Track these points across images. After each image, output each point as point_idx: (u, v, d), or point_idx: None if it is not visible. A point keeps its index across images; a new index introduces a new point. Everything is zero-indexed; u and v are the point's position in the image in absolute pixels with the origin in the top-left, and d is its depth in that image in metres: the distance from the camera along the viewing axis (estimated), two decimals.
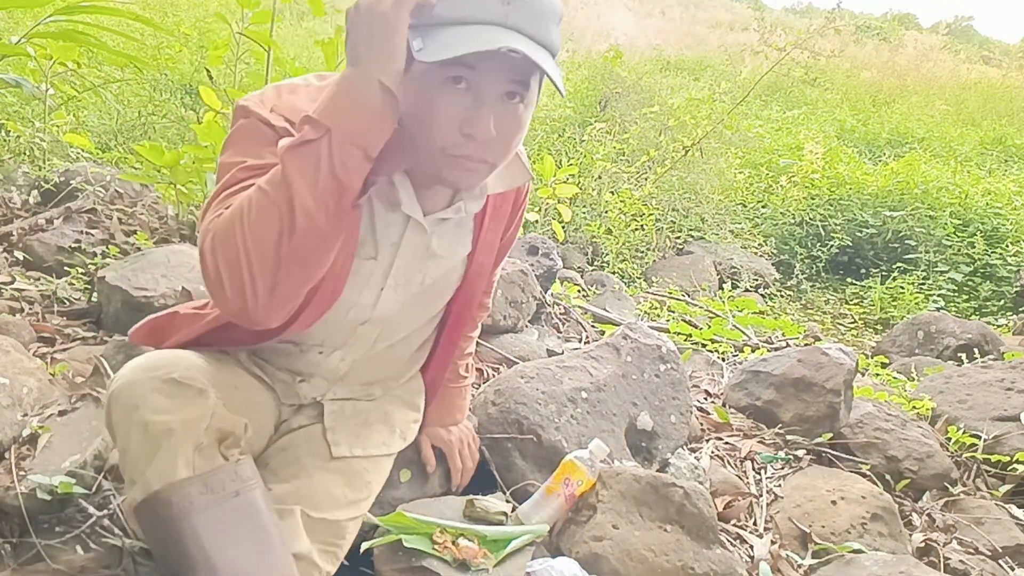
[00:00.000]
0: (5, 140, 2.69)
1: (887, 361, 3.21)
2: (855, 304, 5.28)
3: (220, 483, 0.96)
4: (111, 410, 0.99)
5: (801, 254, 5.81)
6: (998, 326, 4.68)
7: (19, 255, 2.09)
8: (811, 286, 5.59)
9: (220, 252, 0.88)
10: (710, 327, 3.02)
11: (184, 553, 0.92)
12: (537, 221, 3.74)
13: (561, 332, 2.55)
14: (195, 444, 0.96)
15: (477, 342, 2.02)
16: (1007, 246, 5.50)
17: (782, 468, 1.81)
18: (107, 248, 2.20)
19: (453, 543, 1.19)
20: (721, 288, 4.74)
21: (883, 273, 5.57)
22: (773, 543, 1.53)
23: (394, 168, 1.01)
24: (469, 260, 1.21)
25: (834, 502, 1.62)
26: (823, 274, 5.78)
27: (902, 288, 5.18)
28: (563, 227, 4.09)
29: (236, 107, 0.99)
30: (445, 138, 0.94)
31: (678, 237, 5.48)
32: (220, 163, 0.99)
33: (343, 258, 1.05)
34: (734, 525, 1.58)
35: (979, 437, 1.97)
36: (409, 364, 1.36)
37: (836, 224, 5.85)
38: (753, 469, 1.79)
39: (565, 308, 2.69)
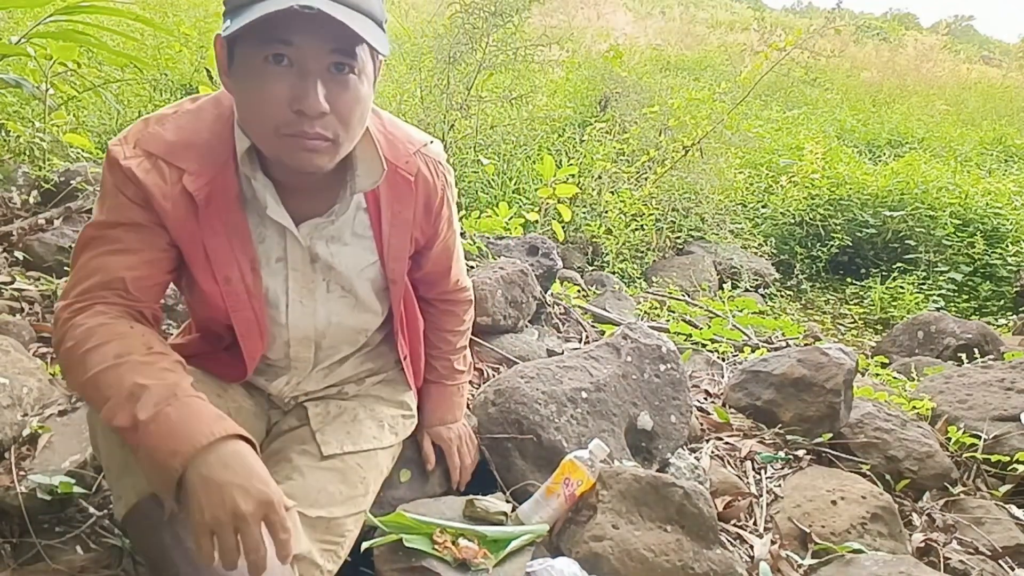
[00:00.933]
0: (5, 140, 2.69)
1: (887, 361, 3.21)
2: (855, 304, 5.28)
3: None
4: (93, 428, 1.01)
5: (801, 254, 5.80)
6: (998, 326, 4.68)
7: (19, 255, 2.09)
8: (811, 286, 5.59)
9: (66, 373, 0.99)
10: (710, 327, 3.02)
11: (170, 561, 0.93)
12: (537, 221, 3.74)
13: (561, 332, 2.55)
14: None
15: (477, 342, 2.02)
16: (1007, 246, 5.49)
17: (782, 468, 1.81)
18: None
19: (453, 543, 1.19)
20: (721, 288, 4.74)
21: (883, 273, 5.56)
22: (773, 543, 1.53)
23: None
24: (382, 267, 1.19)
25: (834, 502, 1.62)
26: (823, 274, 5.78)
27: (902, 288, 5.18)
28: (563, 227, 4.09)
29: (107, 148, 1.01)
30: (277, 117, 0.93)
31: (678, 237, 5.48)
32: (95, 210, 1.04)
33: (240, 271, 1.06)
34: (734, 525, 1.58)
35: (979, 437, 1.97)
36: (373, 363, 1.35)
37: (836, 224, 5.85)
38: (753, 469, 1.79)
39: (565, 308, 2.69)
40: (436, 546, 1.18)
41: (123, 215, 1.00)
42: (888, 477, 1.83)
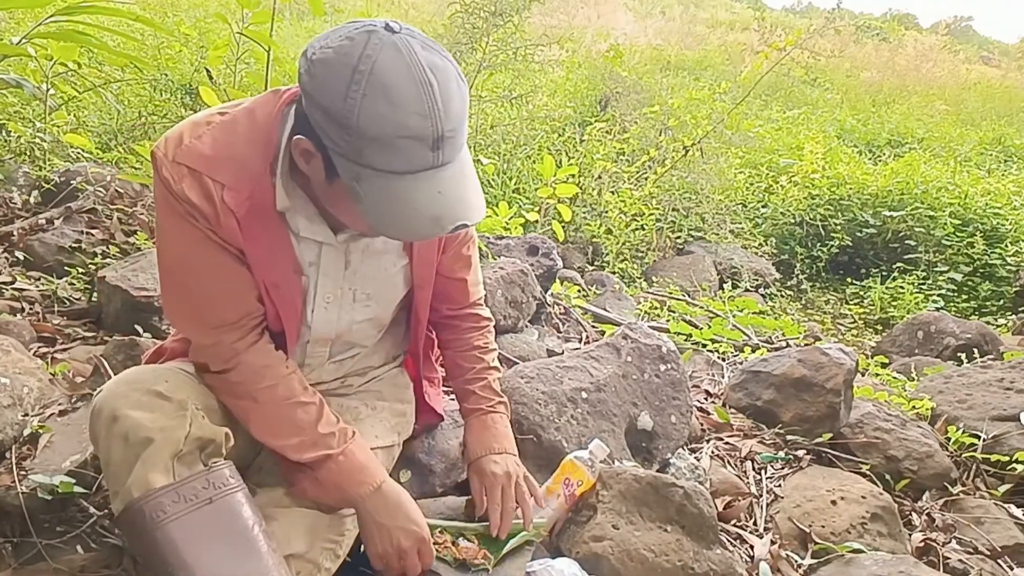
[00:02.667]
0: (6, 140, 2.69)
1: (887, 361, 3.21)
2: (855, 304, 5.28)
3: (193, 491, 0.97)
4: (94, 423, 1.01)
5: (801, 254, 5.80)
6: (998, 326, 4.68)
7: (20, 255, 2.09)
8: (811, 286, 5.59)
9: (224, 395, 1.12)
10: (710, 327, 3.02)
11: (163, 561, 0.94)
12: (537, 221, 3.74)
13: (561, 332, 2.55)
14: (174, 453, 0.97)
15: None
16: (1007, 246, 5.48)
17: (782, 468, 1.81)
18: (107, 248, 2.20)
19: (453, 543, 1.20)
20: (721, 288, 4.74)
21: (883, 273, 5.56)
22: (773, 543, 1.53)
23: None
24: (410, 271, 1.20)
25: (834, 502, 1.62)
26: (823, 274, 5.78)
27: (902, 288, 5.18)
28: (563, 227, 4.08)
29: (152, 155, 1.01)
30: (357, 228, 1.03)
31: (678, 237, 5.48)
32: (161, 237, 1.05)
33: (285, 275, 1.07)
34: (734, 525, 1.59)
35: (978, 437, 1.97)
36: (377, 356, 1.35)
37: (836, 224, 5.84)
38: (753, 469, 1.79)
39: (565, 308, 2.69)
40: (436, 546, 1.18)
41: (197, 240, 1.02)
42: (888, 477, 1.83)
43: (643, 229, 5.01)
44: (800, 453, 1.86)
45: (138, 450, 0.96)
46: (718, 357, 2.65)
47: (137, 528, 0.94)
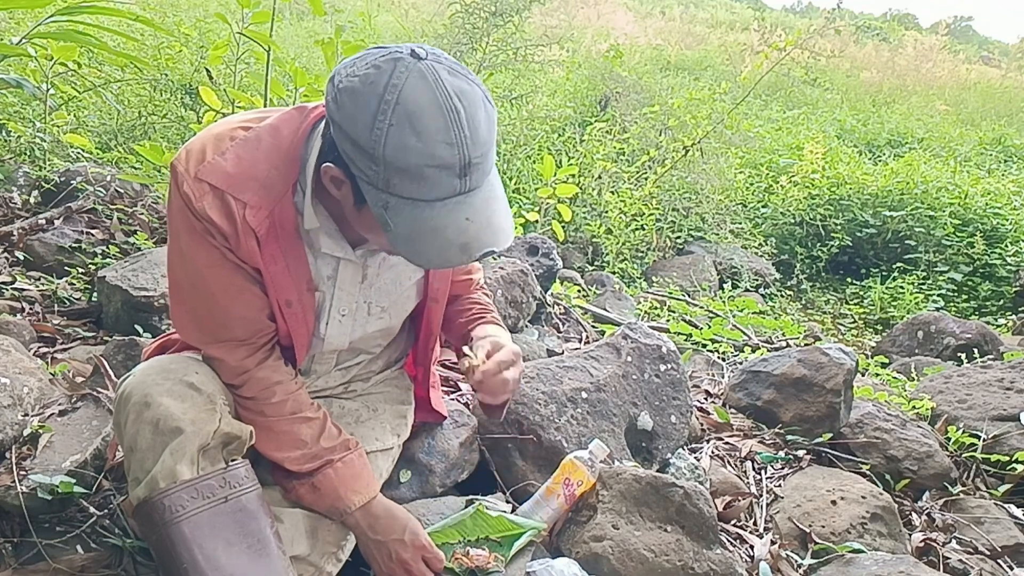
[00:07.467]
0: (6, 140, 2.69)
1: (887, 361, 3.21)
2: (855, 304, 5.28)
3: (210, 488, 0.97)
4: (121, 407, 1.01)
5: (801, 254, 5.80)
6: (997, 326, 4.67)
7: (20, 255, 2.09)
8: (811, 286, 5.58)
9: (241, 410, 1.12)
10: (710, 327, 3.02)
11: (176, 555, 0.94)
12: (537, 221, 3.74)
13: (561, 332, 2.55)
14: (202, 445, 0.98)
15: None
16: (1007, 246, 5.48)
17: (782, 468, 1.81)
18: (107, 248, 2.21)
19: (464, 554, 1.20)
20: (721, 288, 4.74)
21: (883, 273, 5.56)
22: (773, 543, 1.53)
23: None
24: (425, 285, 1.21)
25: (834, 502, 1.63)
26: (823, 274, 5.78)
27: (902, 288, 5.18)
28: (563, 227, 4.08)
29: (171, 167, 0.99)
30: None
31: (678, 237, 5.47)
32: (175, 250, 1.03)
33: (299, 293, 1.07)
34: (734, 525, 1.59)
35: (978, 437, 1.98)
36: (382, 361, 1.35)
37: (836, 224, 5.84)
38: (753, 469, 1.79)
39: (565, 308, 2.69)
40: (451, 560, 1.18)
41: (213, 259, 1.01)
42: (888, 477, 1.83)
43: (643, 229, 5.00)
44: (800, 453, 1.86)
45: (167, 439, 0.96)
46: (718, 357, 2.65)
47: (154, 520, 0.95)
